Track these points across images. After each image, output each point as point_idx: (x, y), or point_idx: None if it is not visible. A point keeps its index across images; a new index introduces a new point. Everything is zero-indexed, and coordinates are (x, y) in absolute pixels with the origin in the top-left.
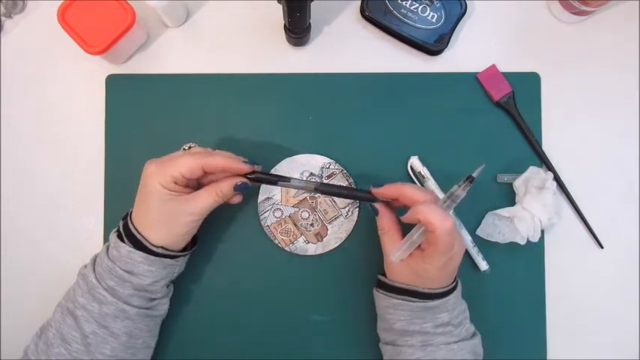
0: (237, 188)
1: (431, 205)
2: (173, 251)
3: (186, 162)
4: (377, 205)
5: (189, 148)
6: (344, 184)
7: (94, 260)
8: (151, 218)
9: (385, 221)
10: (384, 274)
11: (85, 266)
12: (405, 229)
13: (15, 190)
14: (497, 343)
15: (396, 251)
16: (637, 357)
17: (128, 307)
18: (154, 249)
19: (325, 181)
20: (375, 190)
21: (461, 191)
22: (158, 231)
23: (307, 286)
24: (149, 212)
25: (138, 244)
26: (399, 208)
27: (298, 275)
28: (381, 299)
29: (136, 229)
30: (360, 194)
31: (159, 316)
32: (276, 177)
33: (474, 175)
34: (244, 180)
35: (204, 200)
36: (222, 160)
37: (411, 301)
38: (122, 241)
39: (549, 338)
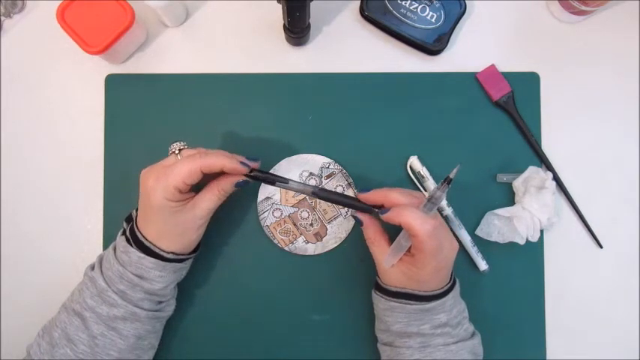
0: (238, 185)
1: (410, 209)
2: (183, 255)
3: (184, 168)
4: (361, 216)
5: (180, 151)
6: (343, 184)
7: (101, 262)
8: (162, 230)
9: (371, 232)
10: None
11: (92, 268)
12: (392, 237)
13: (14, 190)
14: (496, 343)
15: (386, 257)
16: (637, 357)
17: (139, 310)
18: (165, 255)
19: (324, 182)
20: (361, 195)
21: (440, 193)
22: (171, 240)
23: (307, 286)
24: (159, 225)
25: (148, 251)
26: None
27: (298, 275)
28: (379, 301)
29: (145, 239)
30: (356, 204)
31: (165, 317)
32: (274, 177)
33: (451, 176)
34: (245, 178)
35: (209, 201)
36: (219, 159)
37: (407, 304)
38: (131, 245)
39: (549, 338)
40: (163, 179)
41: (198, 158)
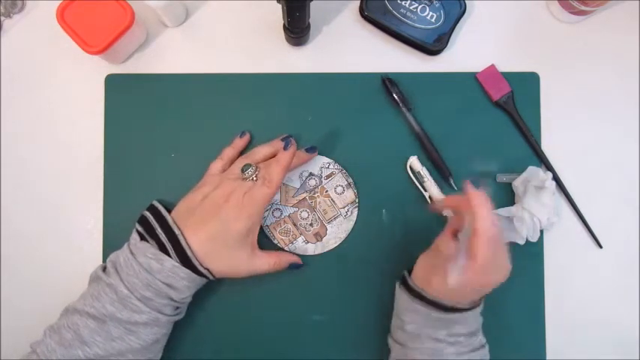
0: (292, 267)
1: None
2: (212, 275)
3: (271, 192)
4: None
5: (256, 175)
6: (343, 184)
7: (115, 267)
8: (216, 250)
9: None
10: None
11: (106, 271)
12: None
13: (14, 190)
14: (496, 343)
15: (454, 272)
16: (637, 357)
17: (161, 316)
18: (202, 270)
19: (324, 182)
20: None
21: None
22: (214, 260)
23: (307, 286)
24: (219, 245)
25: (187, 262)
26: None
27: (298, 275)
28: (403, 300)
29: (190, 248)
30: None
31: (178, 319)
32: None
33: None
34: (300, 263)
35: (263, 265)
36: (281, 167)
37: (432, 311)
38: (166, 254)
39: (549, 338)
40: (251, 215)
41: (275, 180)
